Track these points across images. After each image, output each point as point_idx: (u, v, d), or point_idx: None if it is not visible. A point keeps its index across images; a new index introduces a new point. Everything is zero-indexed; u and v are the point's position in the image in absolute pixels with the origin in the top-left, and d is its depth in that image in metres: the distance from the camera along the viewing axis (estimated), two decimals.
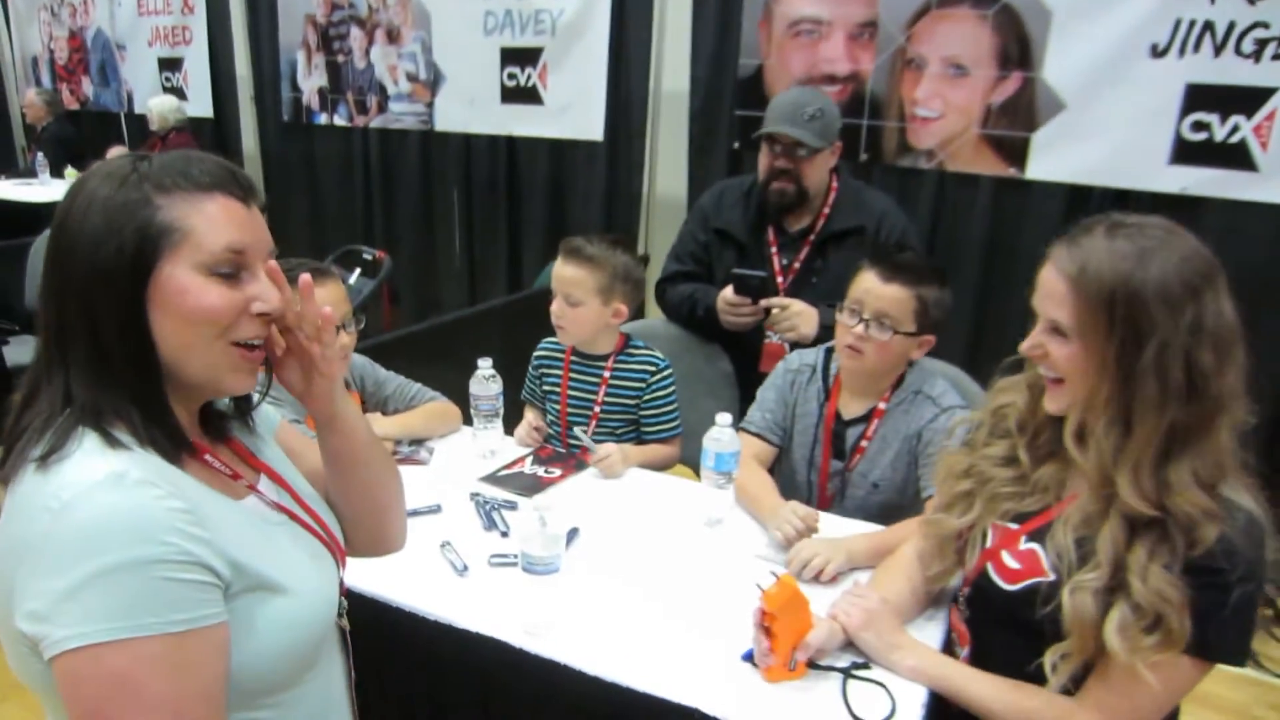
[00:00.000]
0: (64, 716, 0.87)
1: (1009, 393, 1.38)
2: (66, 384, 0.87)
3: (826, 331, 2.17)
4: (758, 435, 2.02)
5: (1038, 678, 1.24)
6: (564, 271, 2.09)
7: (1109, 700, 1.19)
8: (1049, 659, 1.21)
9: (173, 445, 0.90)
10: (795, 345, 2.28)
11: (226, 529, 0.89)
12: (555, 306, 2.11)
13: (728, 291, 2.29)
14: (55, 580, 0.79)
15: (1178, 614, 1.11)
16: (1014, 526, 1.34)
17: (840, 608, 1.40)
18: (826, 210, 2.38)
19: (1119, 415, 1.16)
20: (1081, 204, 3.14)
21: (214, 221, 0.89)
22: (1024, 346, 1.26)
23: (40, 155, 5.81)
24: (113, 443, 0.85)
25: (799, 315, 2.26)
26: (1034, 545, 1.29)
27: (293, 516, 1.04)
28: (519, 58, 4.43)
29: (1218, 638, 1.13)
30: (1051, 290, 1.20)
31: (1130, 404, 1.14)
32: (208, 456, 0.95)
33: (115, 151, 5.77)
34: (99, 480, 0.82)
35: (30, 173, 5.89)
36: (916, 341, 1.86)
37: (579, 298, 2.08)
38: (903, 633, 1.39)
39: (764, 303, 2.27)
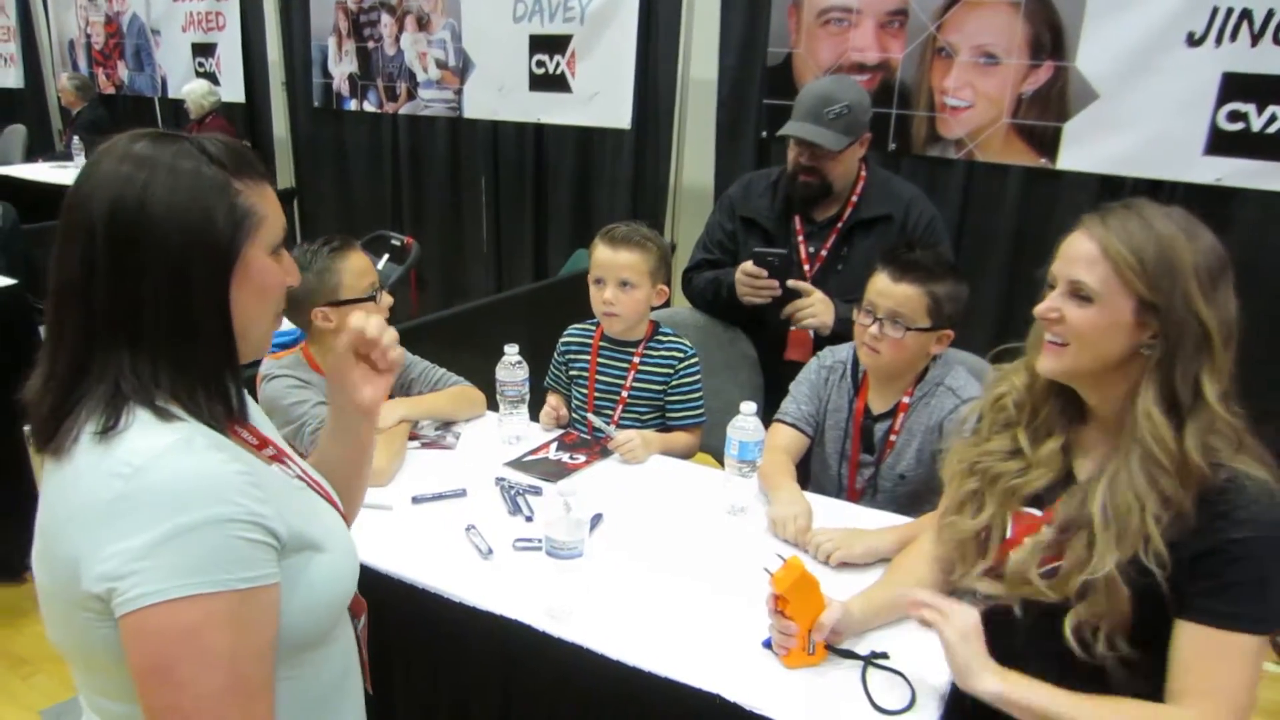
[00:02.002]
0: (113, 681, 0.90)
1: (1007, 379, 1.40)
2: (121, 361, 0.89)
3: (843, 325, 2.17)
4: (792, 425, 2.03)
5: (1065, 659, 1.24)
6: (619, 257, 2.09)
7: (1204, 691, 1.17)
8: (1070, 623, 1.23)
9: (224, 417, 0.94)
10: (816, 334, 2.28)
11: (277, 492, 0.93)
12: (608, 294, 2.09)
13: (746, 264, 2.29)
14: (131, 539, 0.82)
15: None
16: (1036, 513, 1.34)
17: (944, 611, 1.29)
18: (854, 199, 2.37)
19: (1157, 384, 1.20)
20: (1114, 195, 3.10)
21: (275, 208, 0.98)
22: (1040, 309, 1.29)
23: (75, 139, 5.90)
24: (165, 416, 0.89)
25: (821, 303, 2.26)
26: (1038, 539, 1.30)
27: (309, 484, 1.08)
28: (548, 45, 4.44)
29: (1259, 609, 1.16)
30: (1081, 254, 1.24)
31: (1169, 370, 1.18)
32: (237, 428, 0.99)
33: None
34: (168, 446, 0.86)
35: (66, 156, 5.97)
36: (934, 337, 1.87)
37: (635, 280, 2.08)
38: (988, 657, 1.28)
39: (791, 283, 2.26)
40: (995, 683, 1.23)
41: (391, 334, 1.10)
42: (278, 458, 1.04)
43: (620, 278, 2.08)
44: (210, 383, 0.93)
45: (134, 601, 0.81)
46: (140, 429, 0.87)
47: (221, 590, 0.83)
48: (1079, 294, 1.23)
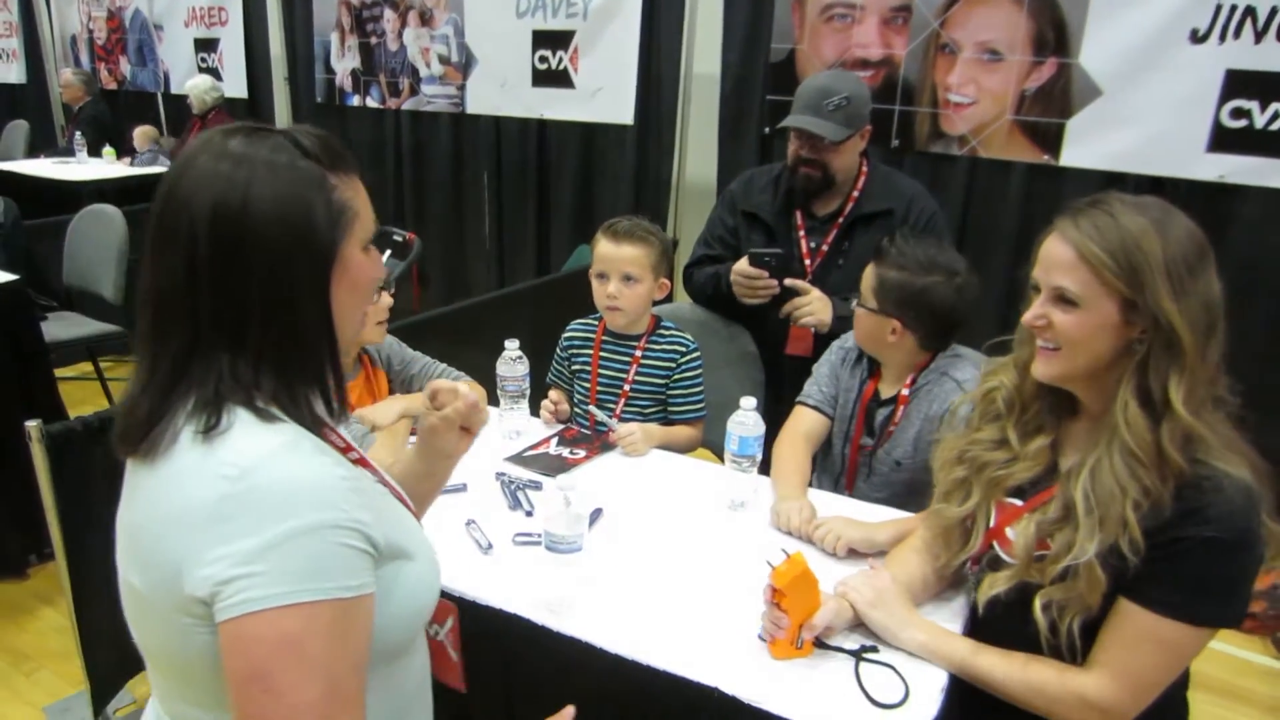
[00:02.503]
0: (201, 687, 0.89)
1: (997, 374, 1.42)
2: (221, 365, 0.87)
3: (842, 323, 2.18)
4: (815, 408, 2.04)
5: (1032, 642, 1.27)
6: (622, 251, 2.10)
7: (1113, 663, 1.22)
8: (1039, 601, 1.25)
9: (320, 419, 0.93)
10: (815, 332, 2.30)
11: (373, 499, 0.92)
12: (611, 288, 2.10)
13: (742, 263, 2.29)
14: (238, 543, 0.80)
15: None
16: (1017, 503, 1.36)
17: (850, 585, 1.41)
18: (855, 194, 2.37)
19: (1136, 381, 1.20)
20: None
21: (366, 203, 0.97)
22: (1027, 318, 1.29)
23: (78, 135, 5.90)
24: (266, 417, 0.87)
25: (819, 301, 2.26)
26: (1036, 517, 1.31)
27: (391, 491, 1.08)
28: (550, 41, 4.44)
29: (1208, 603, 1.18)
30: (1059, 259, 1.24)
31: (1151, 364, 1.19)
32: (327, 431, 0.98)
33: (142, 131, 5.83)
34: (276, 448, 0.85)
35: (68, 152, 5.98)
36: (887, 325, 1.88)
37: (638, 275, 2.09)
38: (912, 610, 1.40)
39: (788, 282, 2.27)
40: (919, 636, 1.34)
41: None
42: (361, 463, 1.03)
43: (623, 272, 2.09)
44: (312, 383, 0.92)
45: (238, 607, 0.80)
46: (244, 429, 0.85)
47: (324, 599, 0.82)
48: (1063, 299, 1.24)
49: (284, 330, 0.88)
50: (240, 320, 0.87)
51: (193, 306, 0.87)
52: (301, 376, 0.91)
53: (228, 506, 0.81)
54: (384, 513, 0.94)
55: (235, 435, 0.85)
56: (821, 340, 2.24)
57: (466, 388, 1.22)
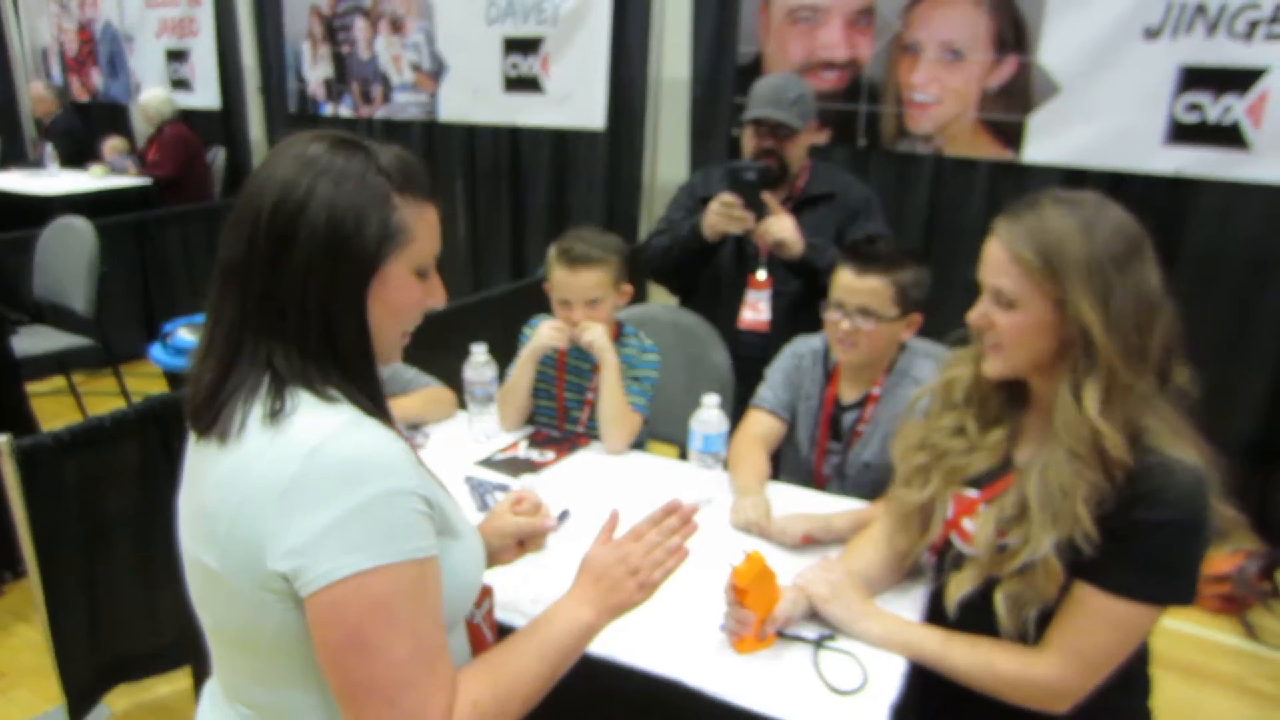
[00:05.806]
0: (274, 665, 0.94)
1: (957, 366, 1.44)
2: (270, 352, 0.92)
3: (812, 250, 2.32)
4: (770, 412, 2.06)
5: (994, 632, 1.30)
6: (580, 279, 2.04)
7: (1064, 644, 1.25)
8: (1000, 594, 1.27)
9: (374, 407, 0.97)
10: (773, 301, 2.43)
11: (426, 475, 0.98)
12: (577, 315, 2.05)
13: (722, 195, 2.35)
14: (315, 516, 0.85)
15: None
16: (973, 494, 1.39)
17: (806, 579, 1.44)
18: (801, 183, 2.52)
19: (1071, 379, 1.22)
20: (1077, 187, 3.12)
21: (430, 230, 1.00)
22: (971, 317, 1.32)
23: (49, 147, 5.84)
24: (327, 398, 0.92)
25: (789, 223, 2.33)
26: (994, 511, 1.34)
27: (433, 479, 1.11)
28: (521, 47, 4.46)
29: (1153, 582, 1.21)
30: (996, 260, 1.27)
31: (1078, 364, 1.21)
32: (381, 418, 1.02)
33: (112, 143, 5.76)
34: (342, 423, 0.90)
35: (39, 165, 5.93)
36: (904, 323, 1.90)
37: (601, 296, 2.06)
38: (868, 602, 1.42)
39: (764, 197, 2.33)
40: (875, 629, 1.37)
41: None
42: (411, 445, 1.07)
43: (586, 298, 2.06)
44: (360, 380, 0.96)
45: (324, 576, 0.85)
46: (308, 409, 0.90)
47: (403, 560, 0.88)
48: (1002, 299, 1.26)
49: (320, 330, 0.93)
50: (281, 310, 0.92)
51: (245, 287, 0.92)
52: (349, 375, 0.95)
53: (301, 483, 0.86)
54: (433, 488, 0.99)
55: (300, 415, 0.90)
56: (777, 319, 2.39)
57: (548, 509, 1.31)
